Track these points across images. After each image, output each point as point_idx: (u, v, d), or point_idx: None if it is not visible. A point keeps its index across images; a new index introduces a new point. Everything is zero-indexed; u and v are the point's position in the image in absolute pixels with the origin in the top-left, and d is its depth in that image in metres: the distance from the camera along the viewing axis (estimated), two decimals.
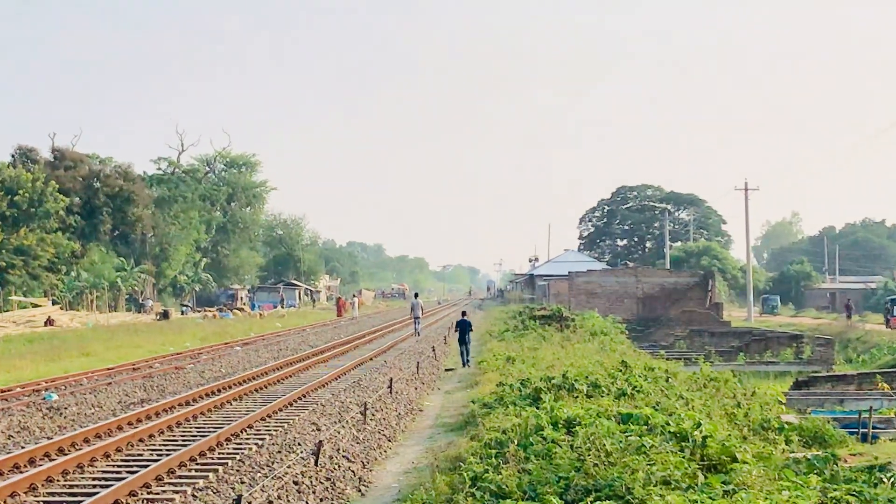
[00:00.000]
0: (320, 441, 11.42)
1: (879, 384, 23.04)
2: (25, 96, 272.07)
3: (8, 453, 11.86)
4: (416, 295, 42.61)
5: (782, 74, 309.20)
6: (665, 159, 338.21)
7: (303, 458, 11.37)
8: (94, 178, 67.75)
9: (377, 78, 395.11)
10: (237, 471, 10.92)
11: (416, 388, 19.86)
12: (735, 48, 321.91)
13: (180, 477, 10.67)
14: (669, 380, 16.50)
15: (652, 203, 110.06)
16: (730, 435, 9.95)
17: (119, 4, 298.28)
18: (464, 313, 28.08)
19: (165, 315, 54.41)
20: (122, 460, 11.74)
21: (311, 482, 10.31)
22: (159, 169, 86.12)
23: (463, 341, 25.69)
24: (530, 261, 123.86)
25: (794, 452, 11.27)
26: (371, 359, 26.73)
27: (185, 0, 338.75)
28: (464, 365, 25.21)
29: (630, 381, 14.81)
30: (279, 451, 12.02)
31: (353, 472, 11.17)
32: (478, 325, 39.12)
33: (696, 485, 7.44)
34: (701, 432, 9.11)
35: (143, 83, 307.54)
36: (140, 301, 66.44)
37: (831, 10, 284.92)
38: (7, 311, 48.17)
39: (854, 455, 11.93)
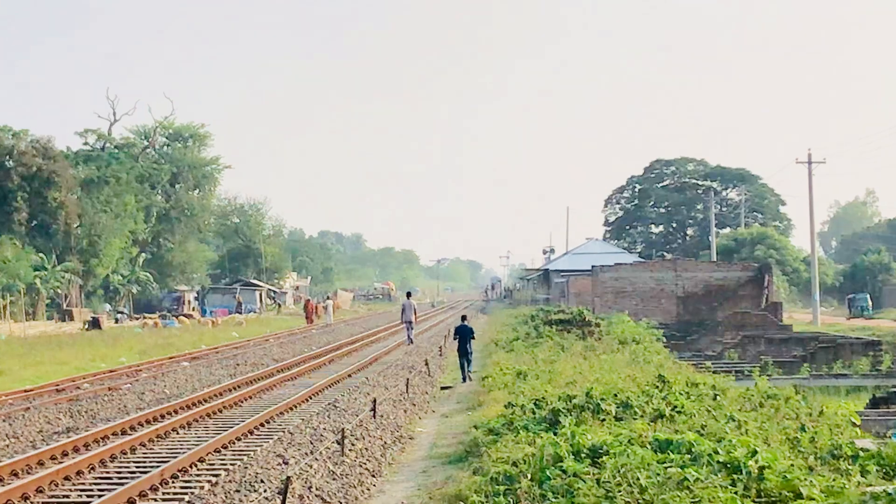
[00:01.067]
0: (288, 477, 11.40)
1: None
2: None
3: None
4: (409, 294, 43.30)
5: (852, 25, 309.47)
6: (709, 127, 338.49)
7: (267, 499, 11.35)
8: (6, 155, 67.54)
9: (353, 34, 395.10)
10: None
11: (405, 411, 19.87)
12: None
13: None
14: (717, 397, 16.50)
15: (694, 180, 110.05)
16: (792, 465, 9.95)
17: None
18: (464, 318, 29.01)
19: (96, 324, 54.36)
20: (43, 503, 11.72)
21: None
22: (86, 143, 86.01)
23: (463, 352, 26.43)
24: (545, 253, 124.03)
25: (871, 486, 11.26)
26: (349, 375, 26.79)
27: None
28: (463, 380, 25.96)
29: (669, 400, 14.82)
30: (237, 491, 12.01)
31: None
32: (481, 331, 39.15)
33: None
34: (757, 462, 9.11)
35: (65, 38, 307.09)
36: (63, 306, 66.36)
37: None
38: None
39: None
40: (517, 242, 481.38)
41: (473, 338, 27.18)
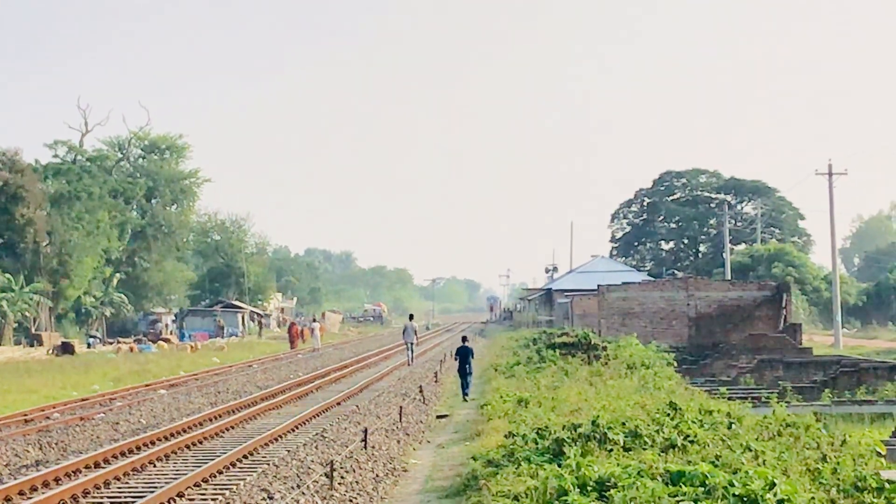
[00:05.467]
0: None
1: None
2: None
3: None
4: (411, 317, 45.95)
5: (875, 32, 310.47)
6: (722, 137, 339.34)
7: None
8: None
9: (342, 42, 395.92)
10: None
11: (398, 442, 19.86)
12: None
13: None
14: (733, 426, 16.51)
15: (706, 193, 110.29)
16: (813, 498, 9.98)
17: None
18: (464, 339, 31.39)
19: (67, 349, 54.29)
20: None
21: None
22: (56, 156, 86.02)
23: (463, 372, 28.79)
24: (547, 271, 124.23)
25: None
26: (339, 403, 26.80)
27: None
28: (464, 399, 28.13)
29: (681, 429, 14.83)
30: None
31: None
32: (480, 356, 39.26)
33: None
34: (775, 495, 9.13)
35: (32, 43, 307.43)
36: (31, 330, 66.14)
37: None
38: None
39: None
40: (518, 261, 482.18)
41: (473, 357, 29.68)
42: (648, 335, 52.94)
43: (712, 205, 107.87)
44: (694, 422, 15.96)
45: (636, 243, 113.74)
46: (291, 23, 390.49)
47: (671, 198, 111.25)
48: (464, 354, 29.17)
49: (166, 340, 66.63)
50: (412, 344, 42.50)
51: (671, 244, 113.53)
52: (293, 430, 21.21)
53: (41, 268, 70.89)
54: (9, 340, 63.24)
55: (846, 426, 25.45)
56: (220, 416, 23.50)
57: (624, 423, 15.01)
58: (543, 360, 35.06)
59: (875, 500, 12.36)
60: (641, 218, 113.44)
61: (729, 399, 25.86)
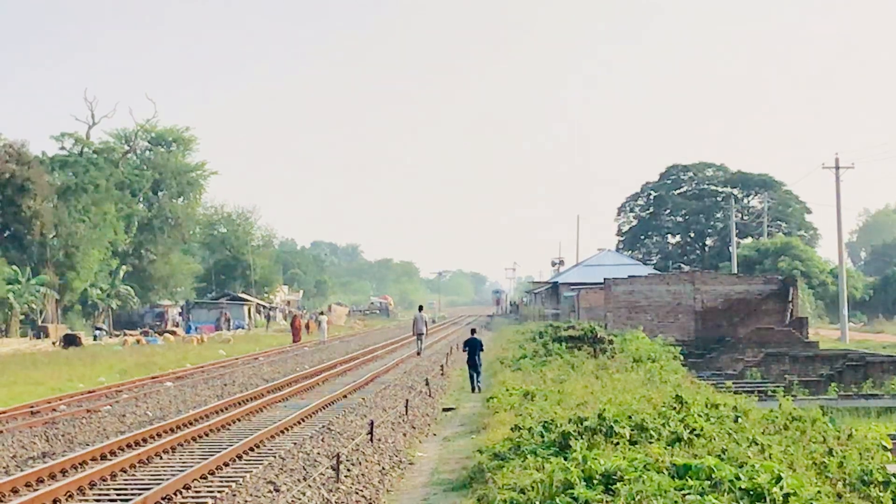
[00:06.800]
0: None
1: None
2: None
3: None
4: (421, 308, 47.14)
5: (883, 24, 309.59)
6: (729, 130, 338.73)
7: None
8: None
9: (349, 34, 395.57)
10: None
11: (404, 435, 19.88)
12: None
13: None
14: (739, 419, 16.49)
15: (713, 187, 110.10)
16: (819, 492, 9.96)
17: None
18: (473, 331, 31.63)
19: (72, 340, 54.36)
20: None
21: None
22: (63, 148, 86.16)
23: (472, 363, 29.18)
24: (553, 265, 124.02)
25: None
26: (345, 396, 26.83)
27: None
28: (473, 390, 28.56)
29: (687, 422, 14.81)
30: None
31: None
32: (486, 349, 39.38)
33: None
34: (782, 489, 9.11)
35: (39, 36, 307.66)
36: (38, 322, 66.23)
37: None
38: None
39: None
40: (524, 254, 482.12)
41: (482, 350, 30.21)
42: (655, 329, 52.91)
43: (719, 198, 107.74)
44: (700, 415, 15.93)
45: (642, 237, 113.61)
46: (299, 15, 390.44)
47: (678, 191, 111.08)
48: (472, 346, 29.50)
49: (172, 332, 66.75)
50: (422, 335, 43.80)
51: (677, 238, 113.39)
52: (299, 423, 21.25)
53: (48, 260, 71.06)
54: (15, 332, 63.44)
55: (852, 420, 25.44)
56: (227, 409, 23.56)
57: (630, 417, 14.99)
58: (549, 354, 35.03)
59: (881, 494, 12.37)
60: (648, 211, 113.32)
61: (735, 393, 25.82)
